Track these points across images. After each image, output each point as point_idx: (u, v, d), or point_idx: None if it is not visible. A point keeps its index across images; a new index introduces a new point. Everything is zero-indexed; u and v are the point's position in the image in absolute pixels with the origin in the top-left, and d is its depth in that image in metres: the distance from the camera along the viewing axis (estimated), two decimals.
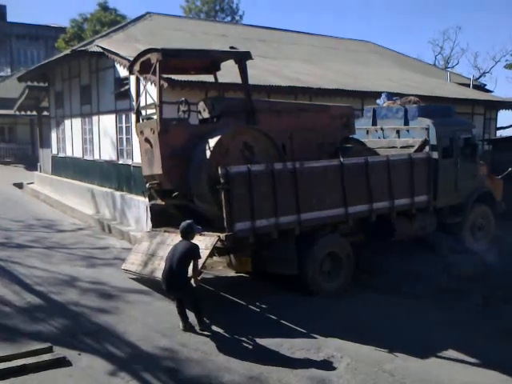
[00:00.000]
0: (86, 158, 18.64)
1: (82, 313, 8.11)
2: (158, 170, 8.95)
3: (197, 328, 7.49)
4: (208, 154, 8.64)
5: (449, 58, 45.13)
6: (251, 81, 14.14)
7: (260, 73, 16.05)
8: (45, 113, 24.94)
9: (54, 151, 22.05)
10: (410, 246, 10.63)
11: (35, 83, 21.85)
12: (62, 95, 20.49)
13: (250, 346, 7.08)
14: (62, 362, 6.36)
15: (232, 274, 10.43)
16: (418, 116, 11.39)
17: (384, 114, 12.08)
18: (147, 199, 10.21)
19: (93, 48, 15.73)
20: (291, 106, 10.64)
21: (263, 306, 8.55)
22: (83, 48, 16.59)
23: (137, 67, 9.47)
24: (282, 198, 8.60)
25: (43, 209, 18.38)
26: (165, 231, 9.51)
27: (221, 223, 8.25)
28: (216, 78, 10.27)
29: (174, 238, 8.81)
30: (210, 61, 10.05)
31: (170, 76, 11.84)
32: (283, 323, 7.82)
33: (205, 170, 8.60)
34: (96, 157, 17.78)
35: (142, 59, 9.24)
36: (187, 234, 7.67)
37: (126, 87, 14.82)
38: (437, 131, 11.08)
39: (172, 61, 9.42)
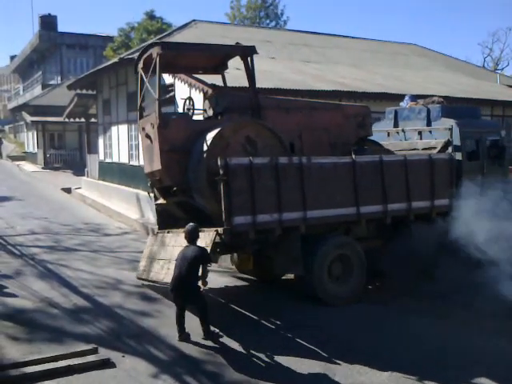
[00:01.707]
0: (131, 163, 18.97)
1: (125, 315, 8.21)
2: (157, 165, 8.67)
3: (200, 337, 7.25)
4: (207, 146, 8.28)
5: (498, 59, 44.09)
6: (294, 85, 14.20)
7: (304, 77, 16.00)
8: (92, 120, 25.59)
9: (101, 157, 22.54)
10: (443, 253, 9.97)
11: (84, 91, 22.44)
12: (109, 102, 20.95)
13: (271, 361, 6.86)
14: (106, 364, 6.43)
15: (241, 283, 10.25)
16: (441, 116, 10.85)
17: (406, 115, 11.58)
18: (153, 199, 10.01)
19: None
20: (301, 103, 10.17)
21: (278, 323, 8.14)
22: (130, 56, 16.89)
23: (141, 65, 9.30)
24: (286, 193, 8.21)
25: (90, 213, 18.77)
26: (168, 232, 9.30)
27: (220, 219, 7.87)
28: (224, 78, 10.02)
29: (176, 239, 8.64)
30: (217, 59, 9.73)
31: (213, 82, 11.93)
32: (298, 341, 7.40)
33: (203, 163, 8.22)
34: (141, 162, 17.96)
35: (144, 56, 9.05)
36: (195, 239, 7.42)
37: (171, 94, 15.00)
38: (461, 132, 10.47)
39: (178, 59, 9.27)
